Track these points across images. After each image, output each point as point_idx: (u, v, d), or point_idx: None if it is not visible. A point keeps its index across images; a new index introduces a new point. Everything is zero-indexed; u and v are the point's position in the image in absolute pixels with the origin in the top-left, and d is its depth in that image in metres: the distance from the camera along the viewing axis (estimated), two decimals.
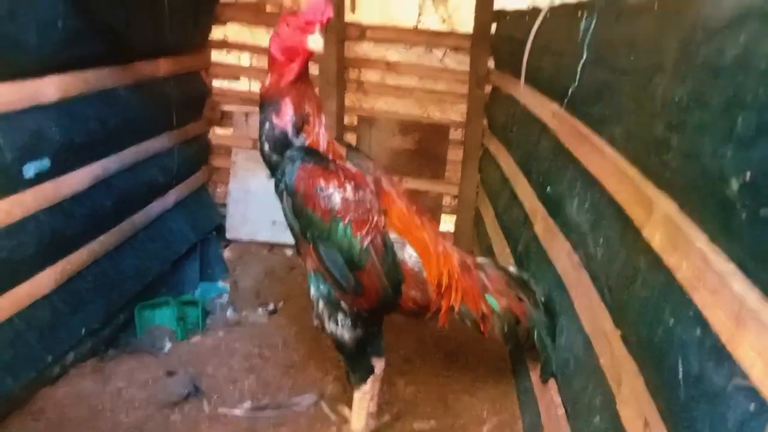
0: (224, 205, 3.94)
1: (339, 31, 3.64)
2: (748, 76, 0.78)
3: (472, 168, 3.79)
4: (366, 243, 1.74)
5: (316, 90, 1.89)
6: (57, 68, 2.31)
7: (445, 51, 3.78)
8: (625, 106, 1.33)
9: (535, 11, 2.40)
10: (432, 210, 3.93)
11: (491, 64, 3.58)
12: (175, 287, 3.12)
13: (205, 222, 3.70)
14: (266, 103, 1.77)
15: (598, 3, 1.56)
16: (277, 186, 1.79)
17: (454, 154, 3.90)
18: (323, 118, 1.82)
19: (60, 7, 2.23)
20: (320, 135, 1.80)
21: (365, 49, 3.84)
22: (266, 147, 1.80)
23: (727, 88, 0.84)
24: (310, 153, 1.75)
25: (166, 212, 3.28)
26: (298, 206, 1.73)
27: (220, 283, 3.37)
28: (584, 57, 1.54)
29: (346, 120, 3.94)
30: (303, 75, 1.75)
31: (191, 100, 3.63)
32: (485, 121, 3.67)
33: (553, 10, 2.12)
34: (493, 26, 3.50)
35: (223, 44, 3.90)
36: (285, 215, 1.80)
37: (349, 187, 1.73)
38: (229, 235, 3.88)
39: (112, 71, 2.70)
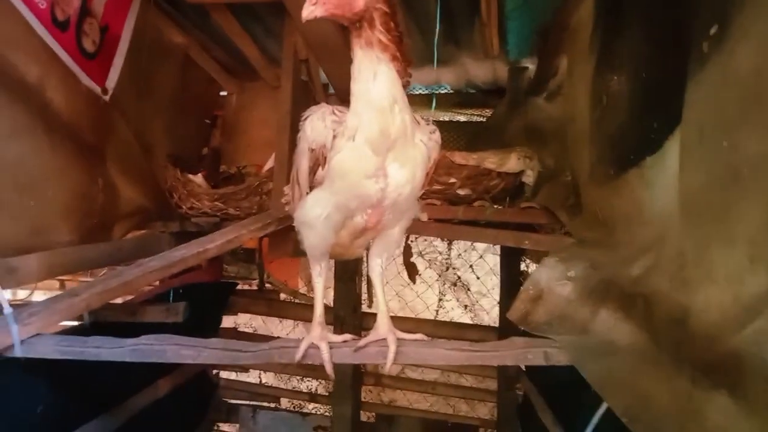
0: None
1: (356, 325, 3.43)
2: None
3: None
4: None
5: None
6: None
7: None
8: None
9: None
10: None
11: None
12: None
13: None
14: None
15: None
16: None
17: None
18: None
19: (41, 392, 2.02)
20: None
21: None
22: None
23: None
24: None
25: None
26: None
27: None
28: None
29: (363, 417, 3.56)
30: None
31: (195, 406, 3.33)
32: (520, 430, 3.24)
33: None
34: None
35: (233, 332, 3.71)
36: None
37: None
38: None
39: (97, 425, 2.42)
